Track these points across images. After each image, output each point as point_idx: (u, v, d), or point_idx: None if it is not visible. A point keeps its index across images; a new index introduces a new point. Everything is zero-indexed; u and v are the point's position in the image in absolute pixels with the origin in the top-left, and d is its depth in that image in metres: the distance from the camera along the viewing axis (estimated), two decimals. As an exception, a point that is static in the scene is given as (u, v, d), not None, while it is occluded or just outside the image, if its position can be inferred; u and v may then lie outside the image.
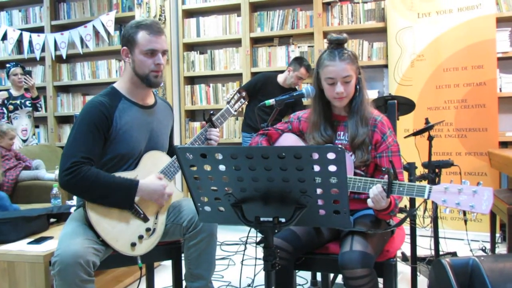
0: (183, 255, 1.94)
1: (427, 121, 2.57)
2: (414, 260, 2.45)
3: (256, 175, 1.23)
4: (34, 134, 4.77)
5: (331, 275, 2.53)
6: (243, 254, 2.28)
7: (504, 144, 3.62)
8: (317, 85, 1.84)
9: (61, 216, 2.71)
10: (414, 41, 3.77)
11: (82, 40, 4.95)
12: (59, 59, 5.10)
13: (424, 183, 2.03)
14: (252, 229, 1.38)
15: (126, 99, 1.88)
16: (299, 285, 2.64)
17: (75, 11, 5.08)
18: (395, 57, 3.85)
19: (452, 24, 3.62)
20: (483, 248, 3.11)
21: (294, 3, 4.36)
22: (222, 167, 1.25)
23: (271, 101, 2.06)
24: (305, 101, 3.79)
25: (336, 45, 1.77)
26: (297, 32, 4.30)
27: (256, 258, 2.39)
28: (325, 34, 4.11)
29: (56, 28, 5.09)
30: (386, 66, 3.99)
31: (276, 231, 1.32)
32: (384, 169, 1.51)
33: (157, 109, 2.00)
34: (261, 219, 1.31)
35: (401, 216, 1.98)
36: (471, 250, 2.95)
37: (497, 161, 3.09)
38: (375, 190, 1.54)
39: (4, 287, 2.16)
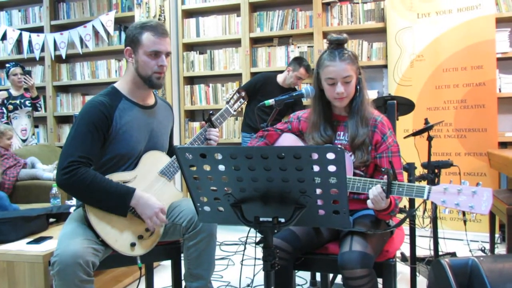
0: (182, 255, 1.94)
1: (426, 122, 2.57)
2: (413, 260, 2.45)
3: (256, 175, 1.23)
4: (33, 134, 4.77)
5: (331, 275, 2.53)
6: (243, 254, 2.28)
7: (503, 145, 3.62)
8: (317, 85, 1.84)
9: (61, 216, 2.71)
10: (414, 42, 3.77)
11: (81, 40, 4.95)
12: (58, 59, 5.10)
13: (424, 183, 2.03)
14: (252, 229, 1.38)
15: (126, 99, 1.88)
16: (299, 285, 2.64)
17: (75, 11, 5.08)
18: (395, 57, 3.85)
19: (452, 25, 3.62)
20: (483, 248, 3.12)
21: (293, 3, 4.36)
22: (221, 167, 1.25)
23: (271, 101, 2.06)
24: (305, 101, 3.79)
25: (336, 45, 1.77)
26: (296, 32, 4.30)
27: (255, 258, 2.39)
28: (325, 34, 4.11)
29: (56, 28, 5.08)
30: (385, 66, 4.00)
31: (275, 231, 1.32)
32: (383, 169, 1.51)
33: (158, 109, 2.00)
34: (261, 219, 1.31)
35: (400, 216, 1.98)
36: (470, 251, 2.95)
37: (497, 162, 3.09)
38: (375, 191, 1.54)
39: (4, 287, 2.16)
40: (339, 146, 1.19)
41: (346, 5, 4.14)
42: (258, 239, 1.56)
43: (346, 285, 1.55)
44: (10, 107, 4.49)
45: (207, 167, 1.27)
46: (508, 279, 1.26)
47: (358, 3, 4.11)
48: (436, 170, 2.49)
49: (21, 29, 5.11)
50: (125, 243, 1.75)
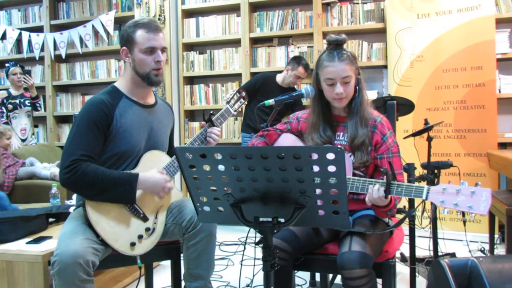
0: (182, 255, 1.94)
1: (426, 122, 2.57)
2: (413, 260, 2.45)
3: (256, 175, 1.23)
4: (33, 134, 4.77)
5: (330, 276, 2.53)
6: (242, 254, 2.28)
7: (503, 145, 3.62)
8: (316, 86, 1.85)
9: (60, 216, 2.71)
10: (414, 42, 3.77)
11: (81, 40, 4.95)
12: (58, 59, 5.10)
13: (423, 184, 2.03)
14: (251, 229, 1.38)
15: (126, 98, 1.89)
16: (298, 285, 2.64)
17: (75, 11, 5.08)
18: (395, 57, 3.86)
19: (452, 25, 3.62)
20: (482, 249, 3.12)
21: (293, 4, 4.36)
22: (221, 167, 1.25)
23: (271, 101, 2.06)
24: (305, 101, 3.79)
25: (335, 46, 1.77)
26: (296, 32, 4.30)
27: (255, 258, 2.39)
28: (325, 35, 4.11)
29: (56, 28, 5.08)
30: (385, 66, 4.00)
31: (275, 231, 1.32)
32: (382, 169, 1.52)
33: (157, 109, 2.01)
34: (260, 219, 1.31)
35: (399, 216, 1.98)
36: (470, 251, 2.96)
37: (496, 162, 3.09)
38: (374, 192, 1.54)
39: (3, 287, 2.16)
40: (339, 146, 1.19)
41: (346, 6, 4.14)
42: (257, 239, 1.55)
43: (345, 285, 1.55)
44: (10, 106, 4.49)
45: (207, 167, 1.27)
46: (507, 279, 1.26)
47: (358, 3, 4.11)
48: (436, 171, 2.49)
49: (21, 29, 5.10)
50: (125, 243, 1.75)
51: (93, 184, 1.70)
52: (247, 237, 1.69)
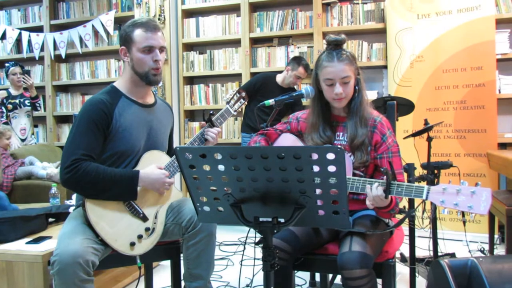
0: (182, 255, 1.94)
1: (426, 122, 2.57)
2: (412, 261, 2.45)
3: (256, 175, 1.23)
4: (33, 134, 4.77)
5: (330, 276, 2.53)
6: (242, 255, 2.28)
7: (503, 146, 3.62)
8: (316, 86, 1.85)
9: (60, 216, 2.71)
10: (414, 42, 3.77)
11: (81, 40, 4.95)
12: (58, 59, 5.10)
13: (423, 184, 2.03)
14: (251, 229, 1.38)
15: (126, 98, 1.89)
16: (298, 285, 2.64)
17: (75, 11, 5.08)
18: (395, 58, 3.86)
19: (452, 25, 3.62)
20: (482, 249, 3.12)
21: (293, 4, 4.36)
22: (221, 167, 1.25)
23: (271, 102, 2.06)
24: (305, 102, 3.79)
25: (335, 46, 1.77)
26: (296, 32, 4.30)
27: (255, 259, 2.39)
28: (325, 35, 4.11)
29: (55, 28, 5.08)
30: (385, 67, 4.00)
31: (275, 231, 1.32)
32: (382, 169, 1.52)
33: (157, 108, 2.01)
34: (260, 219, 1.31)
35: (400, 217, 1.98)
36: (469, 251, 2.96)
37: (496, 162, 3.09)
38: (374, 191, 1.54)
39: (3, 287, 2.16)
40: (339, 146, 1.19)
41: (346, 6, 4.14)
42: (257, 239, 1.55)
43: (345, 285, 1.55)
44: (10, 106, 4.49)
45: (206, 167, 1.27)
46: (507, 279, 1.26)
47: (358, 3, 4.11)
48: (436, 171, 2.49)
49: (21, 29, 5.10)
50: (124, 243, 1.75)
51: (94, 183, 1.71)
52: (247, 237, 1.69)
